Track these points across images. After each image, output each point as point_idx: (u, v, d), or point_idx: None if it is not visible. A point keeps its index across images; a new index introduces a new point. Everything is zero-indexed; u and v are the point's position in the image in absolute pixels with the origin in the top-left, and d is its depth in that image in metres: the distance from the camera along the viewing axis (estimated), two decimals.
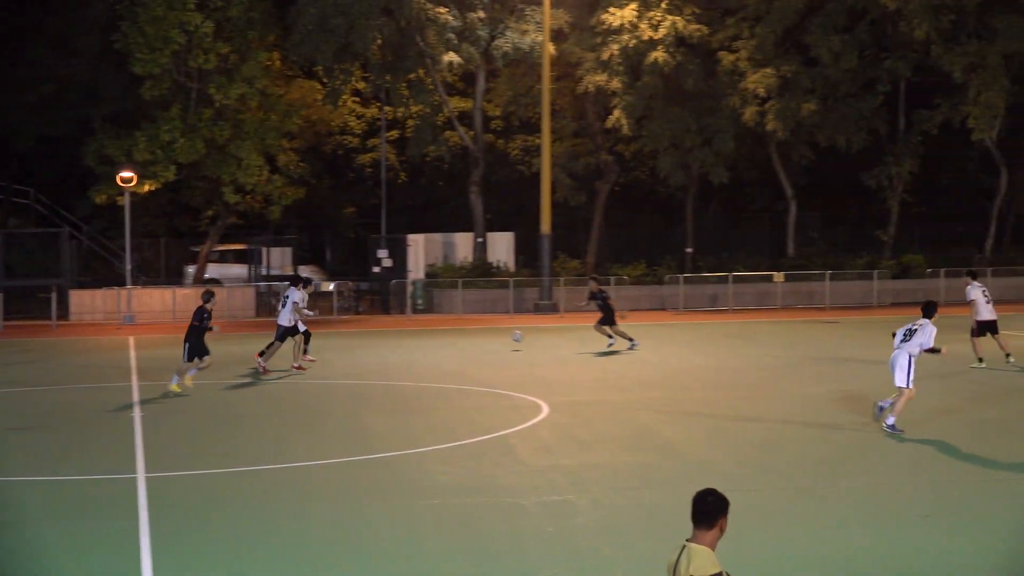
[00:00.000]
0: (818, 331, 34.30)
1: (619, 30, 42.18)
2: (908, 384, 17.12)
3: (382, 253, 43.04)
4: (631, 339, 28.60)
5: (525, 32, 42.66)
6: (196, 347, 21.99)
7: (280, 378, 24.11)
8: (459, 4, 42.69)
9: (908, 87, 47.23)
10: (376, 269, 43.29)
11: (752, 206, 56.24)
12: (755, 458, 15.75)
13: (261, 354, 24.71)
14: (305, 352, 25.48)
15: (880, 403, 17.59)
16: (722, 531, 7.09)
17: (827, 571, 11.03)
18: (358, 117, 52.60)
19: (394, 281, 41.93)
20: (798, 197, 48.28)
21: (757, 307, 42.15)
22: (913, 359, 17.17)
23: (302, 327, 25.04)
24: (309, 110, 47.41)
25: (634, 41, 42.01)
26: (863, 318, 38.49)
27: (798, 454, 16.14)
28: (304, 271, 42.15)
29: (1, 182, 46.28)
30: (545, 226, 41.35)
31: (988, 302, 24.88)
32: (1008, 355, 24.63)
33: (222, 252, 46.90)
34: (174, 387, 21.94)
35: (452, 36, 42.12)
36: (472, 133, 45.72)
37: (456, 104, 47.94)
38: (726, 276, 42.80)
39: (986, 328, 24.79)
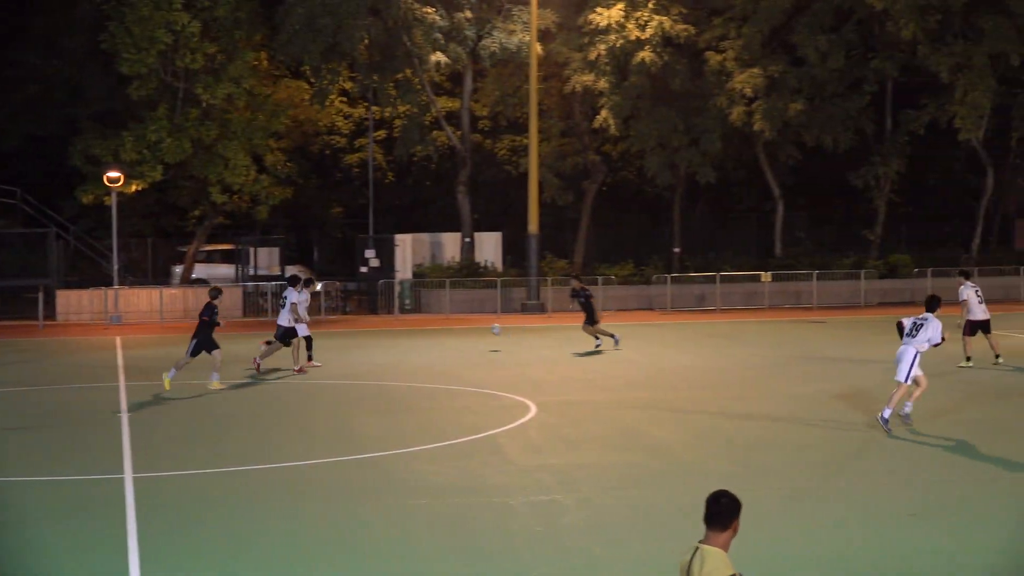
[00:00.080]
0: (805, 331, 34.38)
1: (606, 30, 42.21)
2: (907, 379, 17.23)
3: (369, 253, 43.00)
4: (611, 335, 28.69)
5: (512, 32, 42.67)
6: (204, 342, 22.17)
7: (265, 379, 24.08)
8: (446, 4, 42.68)
9: (895, 87, 47.35)
10: (364, 269, 43.25)
11: (739, 206, 56.34)
12: (744, 457, 15.78)
13: (270, 346, 24.85)
14: (309, 358, 25.36)
15: (901, 412, 17.60)
16: (735, 532, 7.08)
17: (824, 571, 11.06)
18: (345, 117, 52.54)
19: (382, 281, 41.90)
20: (785, 197, 48.37)
21: (744, 307, 42.21)
22: (920, 355, 17.29)
23: (303, 331, 24.93)
24: (296, 110, 47.35)
25: (621, 41, 42.04)
26: (850, 318, 38.59)
27: (788, 453, 16.17)
28: (291, 271, 42.08)
29: None
30: (532, 226, 41.35)
31: (981, 302, 24.97)
32: (997, 356, 24.72)
33: (209, 252, 46.80)
34: (214, 384, 22.14)
35: (439, 36, 42.11)
36: (459, 133, 45.71)
37: (443, 104, 47.91)
38: (713, 276, 42.86)
39: (978, 327, 24.88)
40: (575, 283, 29.66)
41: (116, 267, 40.44)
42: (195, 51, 39.05)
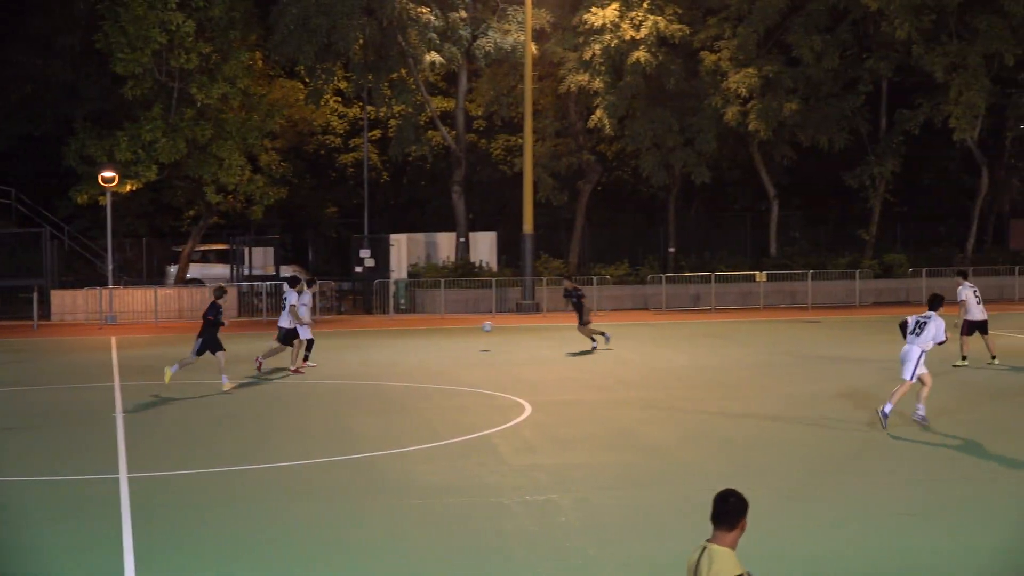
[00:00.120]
0: (800, 331, 34.38)
1: (601, 30, 42.19)
2: (912, 378, 17.26)
3: (364, 253, 42.97)
4: (603, 333, 28.72)
5: (507, 32, 42.68)
6: (209, 342, 22.16)
7: (263, 379, 24.06)
8: (441, 4, 42.67)
9: (890, 87, 47.40)
10: (358, 269, 43.21)
11: (734, 206, 56.36)
12: (740, 456, 15.79)
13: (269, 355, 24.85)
14: (306, 358, 25.31)
15: (915, 415, 17.62)
16: (743, 531, 7.07)
17: (823, 571, 11.07)
18: (340, 117, 52.53)
19: (376, 281, 41.88)
20: (780, 197, 48.39)
21: (739, 307, 42.22)
22: (924, 354, 17.32)
23: (305, 334, 24.89)
24: (291, 110, 47.34)
25: (616, 41, 42.03)
26: (845, 317, 38.62)
27: (785, 452, 16.17)
28: (287, 271, 42.04)
29: None
30: (527, 226, 41.36)
31: (979, 302, 25.02)
32: (993, 357, 24.74)
33: (204, 252, 46.77)
34: (225, 386, 22.11)
35: (434, 36, 42.10)
36: (454, 133, 45.70)
37: (438, 104, 47.89)
38: (708, 276, 42.87)
39: (975, 327, 24.91)
40: (567, 283, 29.73)
41: (111, 267, 40.39)
42: (190, 51, 39.02)
